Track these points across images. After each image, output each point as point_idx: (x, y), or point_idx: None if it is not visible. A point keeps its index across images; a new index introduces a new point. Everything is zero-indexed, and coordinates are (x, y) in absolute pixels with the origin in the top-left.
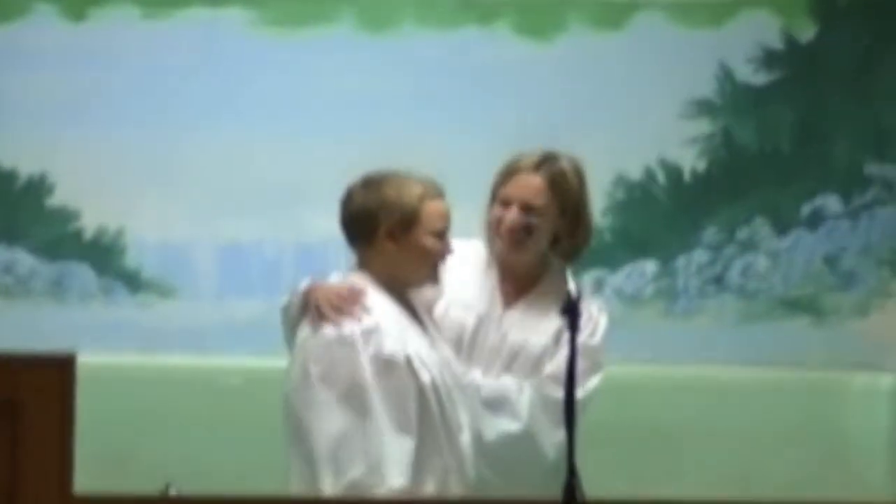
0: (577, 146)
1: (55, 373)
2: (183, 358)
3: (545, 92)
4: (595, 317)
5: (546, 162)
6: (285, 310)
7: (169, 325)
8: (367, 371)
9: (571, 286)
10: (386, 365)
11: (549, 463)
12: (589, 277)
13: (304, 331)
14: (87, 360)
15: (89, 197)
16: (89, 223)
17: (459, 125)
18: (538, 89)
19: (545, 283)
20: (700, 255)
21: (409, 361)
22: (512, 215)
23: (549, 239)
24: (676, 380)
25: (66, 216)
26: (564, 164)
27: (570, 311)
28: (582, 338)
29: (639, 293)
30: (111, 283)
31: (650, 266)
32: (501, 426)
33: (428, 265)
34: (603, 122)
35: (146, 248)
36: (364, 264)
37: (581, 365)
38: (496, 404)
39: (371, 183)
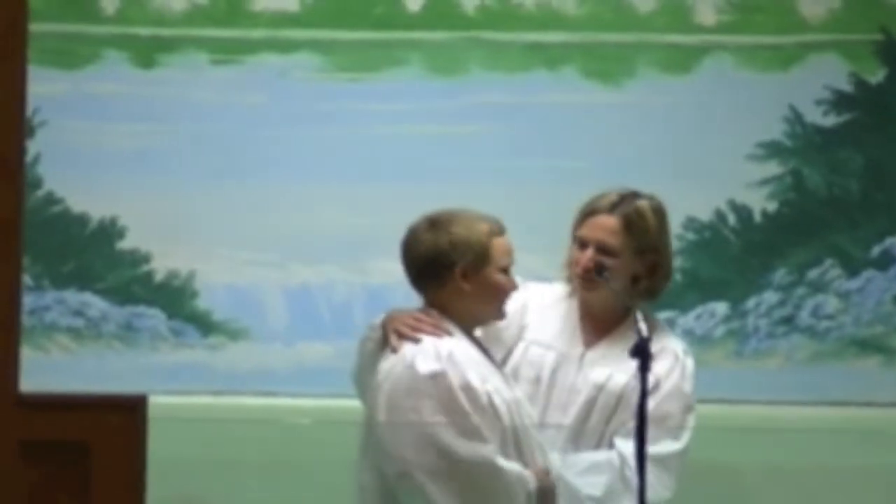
0: (647, 189)
1: (126, 415)
2: (252, 399)
3: (614, 135)
4: (682, 359)
5: (623, 202)
6: (363, 343)
7: (239, 366)
8: (464, 400)
9: (641, 327)
10: (474, 397)
11: None
12: (660, 318)
13: (388, 361)
14: (158, 401)
15: (160, 241)
16: (160, 266)
17: (527, 170)
18: (607, 133)
19: (627, 323)
20: (770, 297)
21: (489, 397)
22: (587, 256)
23: (626, 279)
24: (747, 420)
25: (136, 260)
26: (642, 204)
27: (641, 353)
28: (673, 380)
29: (709, 334)
30: (182, 326)
31: (720, 307)
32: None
33: (498, 302)
34: (672, 164)
35: (217, 291)
36: (433, 304)
37: (677, 409)
38: (597, 472)
39: (438, 223)
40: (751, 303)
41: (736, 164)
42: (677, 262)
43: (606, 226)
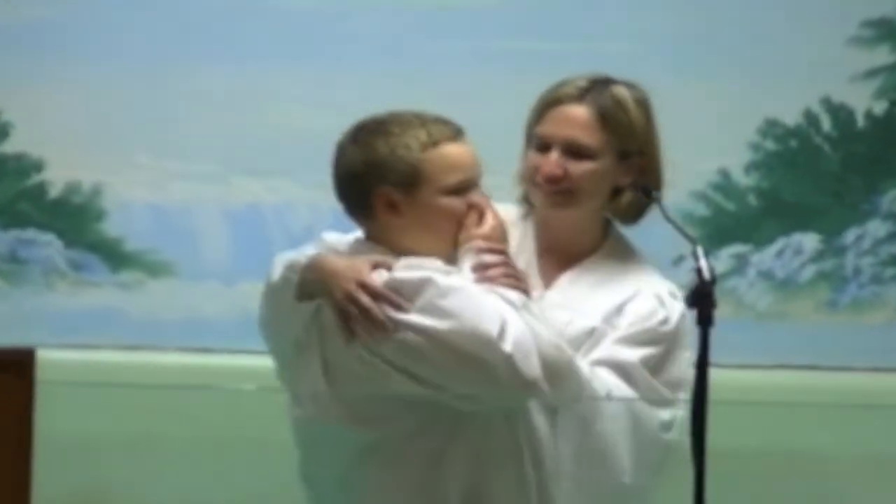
0: (714, 82)
1: (8, 375)
2: (179, 356)
3: (666, 8)
4: (668, 305)
5: (595, 87)
6: (279, 290)
7: (161, 312)
8: None
9: (703, 265)
10: None
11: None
12: (727, 255)
13: (335, 341)
14: (51, 358)
15: (56, 143)
16: (56, 177)
17: (546, 54)
18: (656, 5)
19: (603, 251)
20: (876, 228)
21: None
22: (552, 160)
23: (605, 191)
24: (841, 392)
25: (24, 168)
26: (621, 91)
27: (700, 299)
28: (649, 324)
29: (794, 277)
30: (85, 257)
31: (810, 241)
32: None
33: (450, 235)
34: (747, 49)
35: (132, 212)
36: (374, 238)
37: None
38: None
39: (361, 134)
40: (850, 235)
41: (833, 50)
42: (752, 179)
43: (576, 118)
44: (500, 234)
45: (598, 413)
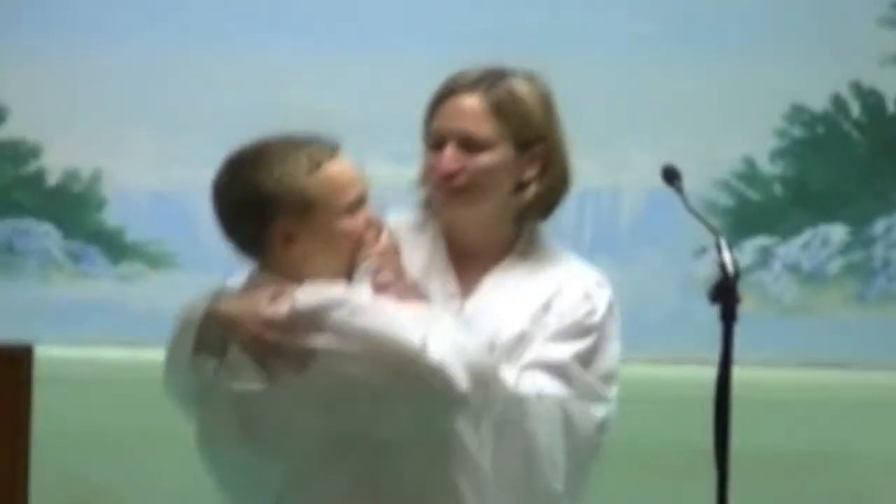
0: (738, 66)
1: (6, 369)
2: None
3: None
4: (594, 296)
5: (488, 77)
6: (174, 353)
7: (164, 306)
8: None
9: (726, 258)
10: None
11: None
12: (752, 247)
13: (250, 383)
14: (49, 353)
15: (53, 127)
16: (53, 164)
17: (580, 28)
18: None
19: (519, 250)
20: None
21: None
22: (447, 156)
23: (506, 184)
24: (870, 389)
25: (21, 154)
26: (516, 81)
27: (723, 294)
28: (576, 317)
29: (821, 270)
30: (83, 248)
31: (837, 232)
32: None
33: (354, 252)
34: (773, 31)
35: (134, 200)
36: (270, 270)
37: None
38: None
39: (238, 169)
40: (879, 226)
41: (863, 32)
42: (777, 167)
43: (468, 108)
44: (395, 249)
45: (527, 416)
